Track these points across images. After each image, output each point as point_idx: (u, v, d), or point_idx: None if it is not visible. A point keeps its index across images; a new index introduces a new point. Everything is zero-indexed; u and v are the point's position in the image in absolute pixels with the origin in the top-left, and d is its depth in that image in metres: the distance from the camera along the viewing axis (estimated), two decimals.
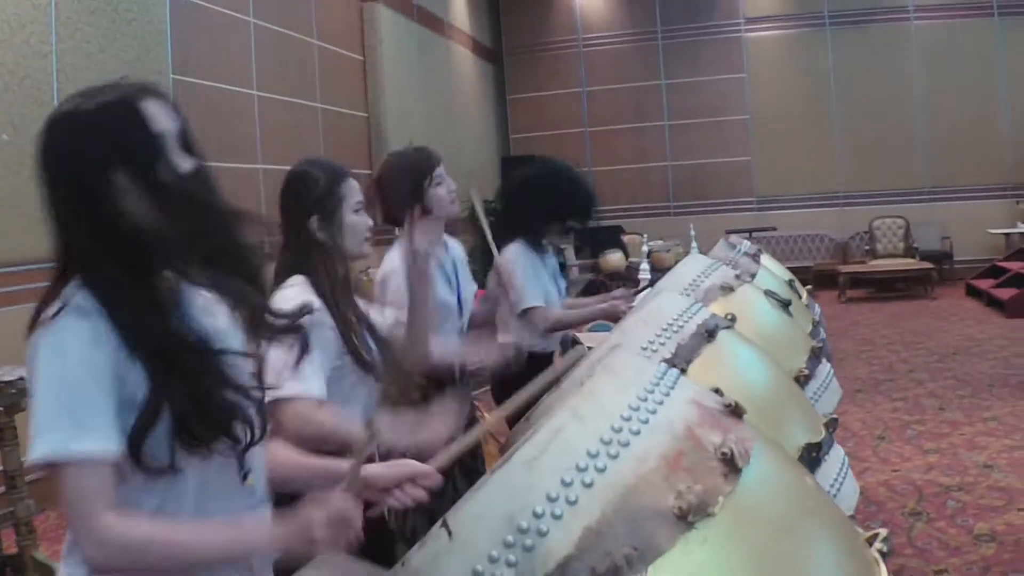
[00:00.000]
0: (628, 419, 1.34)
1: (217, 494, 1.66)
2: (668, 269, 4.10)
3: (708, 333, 2.26)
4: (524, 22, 17.60)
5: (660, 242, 13.54)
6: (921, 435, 6.72)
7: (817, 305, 4.78)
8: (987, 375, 8.60)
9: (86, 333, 1.53)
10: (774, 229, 15.88)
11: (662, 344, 2.21)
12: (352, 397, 2.72)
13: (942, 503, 5.30)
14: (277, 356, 2.03)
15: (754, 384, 2.15)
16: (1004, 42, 15.64)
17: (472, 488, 1.42)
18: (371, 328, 2.84)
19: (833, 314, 12.27)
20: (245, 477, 1.72)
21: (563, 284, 4.73)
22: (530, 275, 4.38)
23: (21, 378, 4.16)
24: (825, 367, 3.22)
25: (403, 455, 2.19)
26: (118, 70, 6.73)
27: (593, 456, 1.27)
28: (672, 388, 1.45)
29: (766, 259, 4.59)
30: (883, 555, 1.44)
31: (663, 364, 1.56)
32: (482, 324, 4.23)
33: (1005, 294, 12.45)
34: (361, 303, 2.94)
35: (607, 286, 14.57)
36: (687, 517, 1.22)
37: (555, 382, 2.29)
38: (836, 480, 2.22)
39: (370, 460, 2.22)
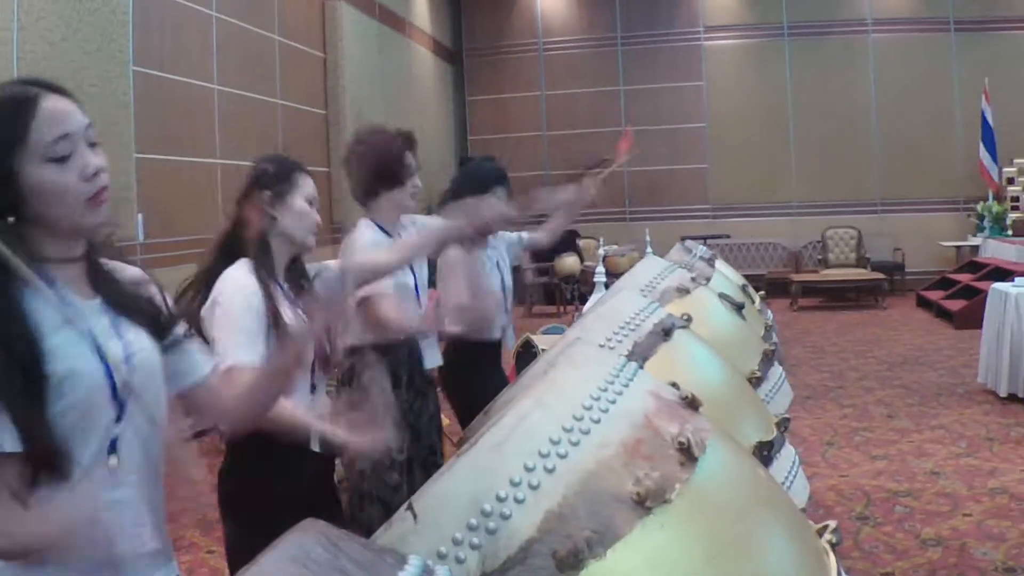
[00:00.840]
0: (589, 408, 1.37)
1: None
2: (622, 274, 4.15)
3: (664, 332, 2.30)
4: (485, 24, 17.64)
5: (615, 247, 13.63)
6: (869, 441, 6.82)
7: (770, 311, 4.85)
8: (935, 384, 8.74)
9: None
10: (728, 237, 16.02)
11: (619, 341, 2.25)
12: None
13: (889, 508, 5.39)
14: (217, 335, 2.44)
15: (709, 382, 2.18)
16: (959, 57, 15.89)
17: (438, 472, 1.45)
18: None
19: (785, 322, 12.40)
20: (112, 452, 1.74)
21: (507, 277, 4.74)
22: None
23: None
24: (777, 370, 3.28)
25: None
26: (79, 60, 6.71)
27: (555, 443, 1.30)
28: (632, 380, 1.49)
29: (721, 264, 4.65)
30: (832, 546, 1.49)
31: (623, 358, 1.60)
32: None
33: (954, 305, 12.66)
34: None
35: (561, 289, 14.70)
36: (645, 503, 1.25)
37: None
38: (787, 478, 2.26)
39: None
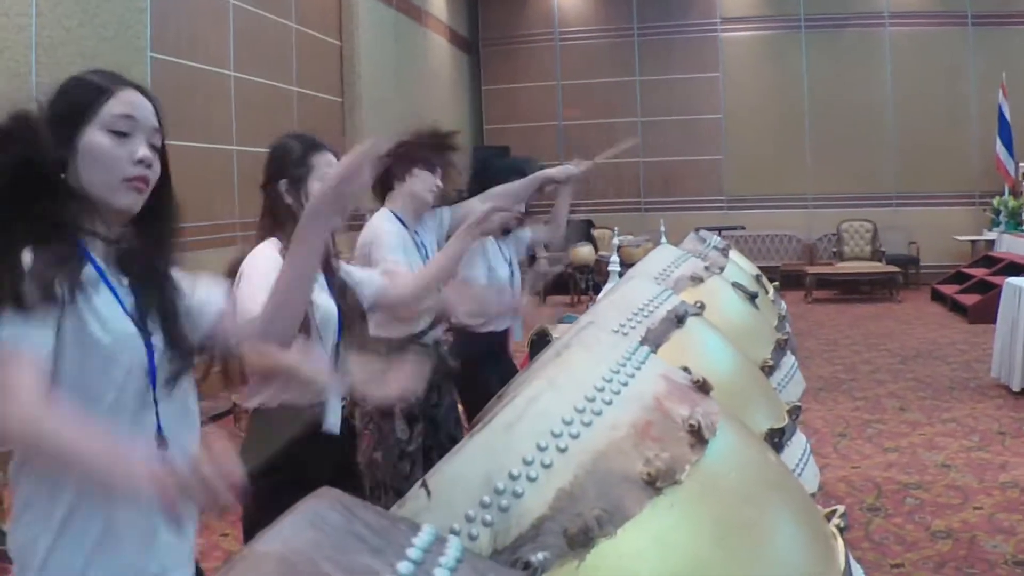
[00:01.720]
0: (601, 390, 1.39)
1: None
2: (636, 263, 4.16)
3: (678, 319, 2.31)
4: (501, 14, 17.61)
5: (630, 237, 13.63)
6: (881, 434, 6.82)
7: (783, 301, 4.85)
8: (948, 378, 8.73)
9: None
10: (743, 228, 15.98)
11: (632, 328, 2.26)
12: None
13: (900, 500, 5.39)
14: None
15: (721, 369, 2.19)
16: (976, 51, 15.80)
17: (451, 451, 1.46)
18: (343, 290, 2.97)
19: (799, 314, 12.38)
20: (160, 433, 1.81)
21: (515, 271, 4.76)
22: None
23: None
24: (790, 359, 3.29)
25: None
26: (96, 46, 6.73)
27: (567, 423, 1.32)
28: (643, 363, 1.51)
29: (734, 254, 4.66)
30: (840, 530, 1.50)
31: (635, 342, 1.62)
32: None
33: (968, 300, 12.61)
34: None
35: (576, 279, 14.68)
36: (655, 483, 1.27)
37: None
38: (798, 465, 2.28)
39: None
